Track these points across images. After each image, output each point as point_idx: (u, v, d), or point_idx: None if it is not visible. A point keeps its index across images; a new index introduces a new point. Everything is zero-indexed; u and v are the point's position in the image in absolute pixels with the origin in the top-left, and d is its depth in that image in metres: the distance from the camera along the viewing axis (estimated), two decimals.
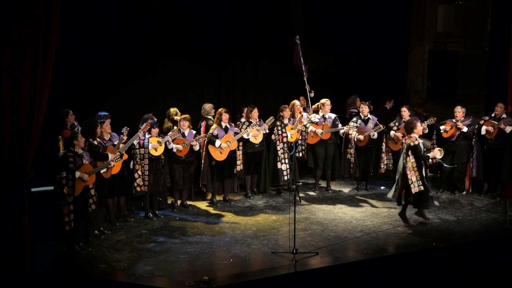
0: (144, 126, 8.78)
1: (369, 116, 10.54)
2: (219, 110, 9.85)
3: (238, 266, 7.41)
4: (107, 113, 9.16)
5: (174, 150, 9.28)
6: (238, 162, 9.98)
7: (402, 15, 13.17)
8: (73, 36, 9.86)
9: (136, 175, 8.82)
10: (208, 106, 10.27)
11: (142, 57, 10.86)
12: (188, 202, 9.81)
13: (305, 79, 11.07)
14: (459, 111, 10.27)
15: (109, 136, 8.69)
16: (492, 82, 11.13)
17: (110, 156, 8.18)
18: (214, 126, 9.69)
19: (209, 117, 10.15)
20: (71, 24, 9.58)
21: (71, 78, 10.28)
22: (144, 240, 8.28)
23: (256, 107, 10.18)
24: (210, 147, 9.62)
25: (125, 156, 8.58)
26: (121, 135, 8.56)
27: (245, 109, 10.25)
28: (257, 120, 10.04)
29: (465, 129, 10.17)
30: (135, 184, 8.83)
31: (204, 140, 9.63)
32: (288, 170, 10.28)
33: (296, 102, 10.72)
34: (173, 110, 10.06)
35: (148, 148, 8.88)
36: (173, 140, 9.26)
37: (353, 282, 7.70)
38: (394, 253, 7.98)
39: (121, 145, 8.42)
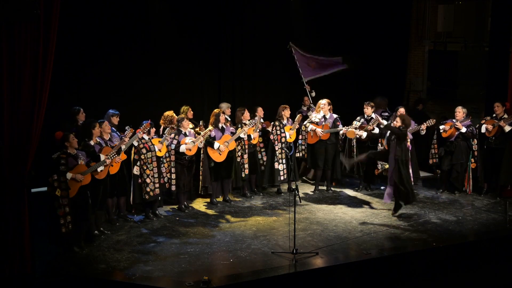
0: (143, 127, 8.75)
1: (372, 115, 10.53)
2: (215, 111, 9.82)
3: (238, 266, 7.40)
4: (117, 111, 9.16)
5: (183, 151, 9.26)
6: (246, 166, 9.98)
7: (402, 15, 13.16)
8: (73, 36, 9.85)
9: (148, 180, 8.76)
10: (224, 105, 10.27)
11: (142, 57, 10.86)
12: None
13: (304, 81, 11.10)
14: (459, 111, 10.27)
15: (109, 136, 8.64)
16: (492, 82, 11.14)
17: (102, 157, 8.04)
18: (210, 127, 9.63)
19: (225, 116, 10.09)
20: (71, 24, 9.56)
21: (71, 78, 10.26)
22: (144, 240, 8.28)
23: (256, 107, 10.18)
24: (209, 149, 9.61)
25: (124, 157, 8.56)
26: (123, 137, 8.54)
27: (237, 112, 10.16)
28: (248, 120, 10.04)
29: (463, 130, 10.16)
30: (148, 189, 8.77)
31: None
32: (285, 170, 10.29)
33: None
34: (182, 109, 10.03)
35: (155, 151, 8.86)
36: (178, 142, 9.22)
37: (353, 282, 7.69)
38: (394, 253, 7.97)
39: (122, 147, 8.41)
